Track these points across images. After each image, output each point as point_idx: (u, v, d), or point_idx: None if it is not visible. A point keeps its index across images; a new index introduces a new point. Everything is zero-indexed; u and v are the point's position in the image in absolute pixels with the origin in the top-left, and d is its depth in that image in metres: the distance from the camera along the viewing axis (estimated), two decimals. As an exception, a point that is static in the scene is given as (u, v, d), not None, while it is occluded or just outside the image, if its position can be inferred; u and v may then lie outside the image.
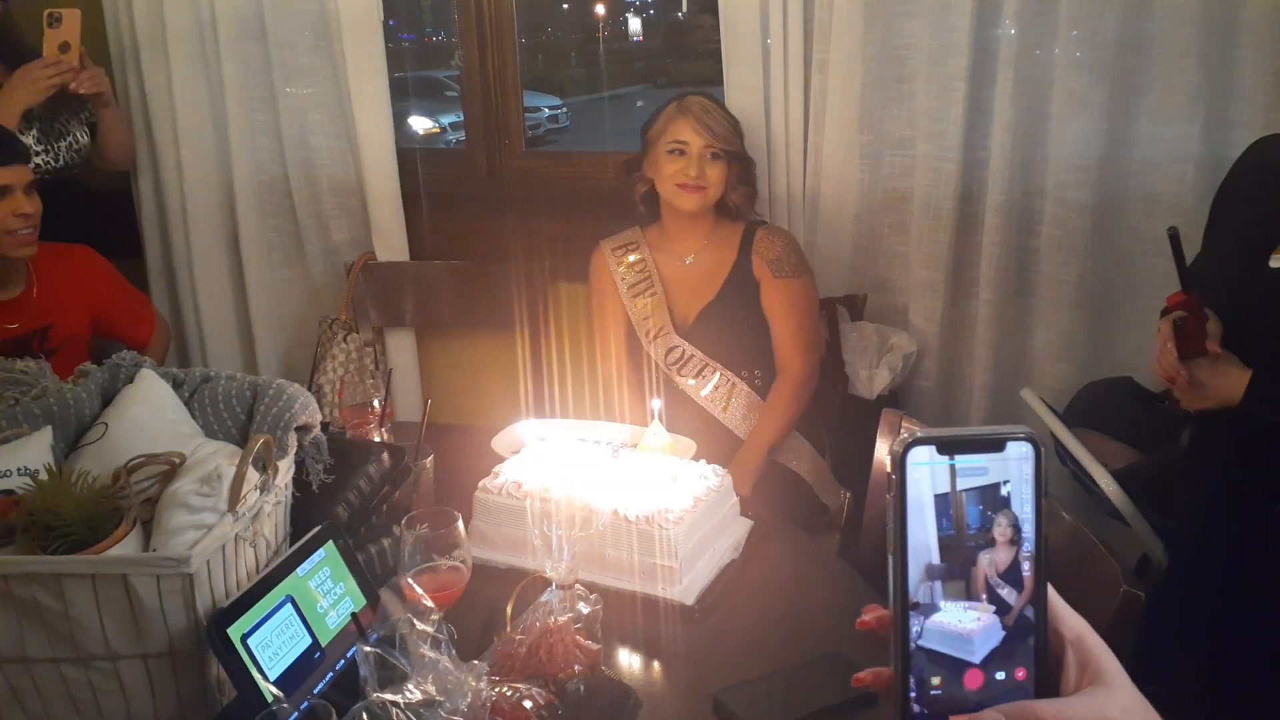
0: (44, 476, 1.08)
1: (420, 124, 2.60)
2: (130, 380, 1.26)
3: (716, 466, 1.50)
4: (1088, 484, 1.73)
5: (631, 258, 2.13)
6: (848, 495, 2.00)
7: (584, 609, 1.09)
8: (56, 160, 2.33)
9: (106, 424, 1.19)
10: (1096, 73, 1.97)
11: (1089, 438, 1.78)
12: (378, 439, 1.59)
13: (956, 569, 0.56)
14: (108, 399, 1.25)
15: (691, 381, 2.05)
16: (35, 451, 1.13)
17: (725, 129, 2.01)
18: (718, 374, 2.04)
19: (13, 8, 2.34)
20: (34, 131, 2.27)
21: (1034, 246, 2.13)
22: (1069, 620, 0.56)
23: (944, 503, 0.56)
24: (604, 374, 2.15)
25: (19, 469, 1.11)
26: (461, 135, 2.58)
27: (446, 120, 4.91)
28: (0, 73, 2.31)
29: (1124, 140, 2.02)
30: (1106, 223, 2.04)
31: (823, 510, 2.02)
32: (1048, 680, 0.56)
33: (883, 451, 1.55)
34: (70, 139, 2.37)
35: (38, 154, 2.27)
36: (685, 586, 1.33)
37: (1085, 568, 1.19)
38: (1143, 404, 1.89)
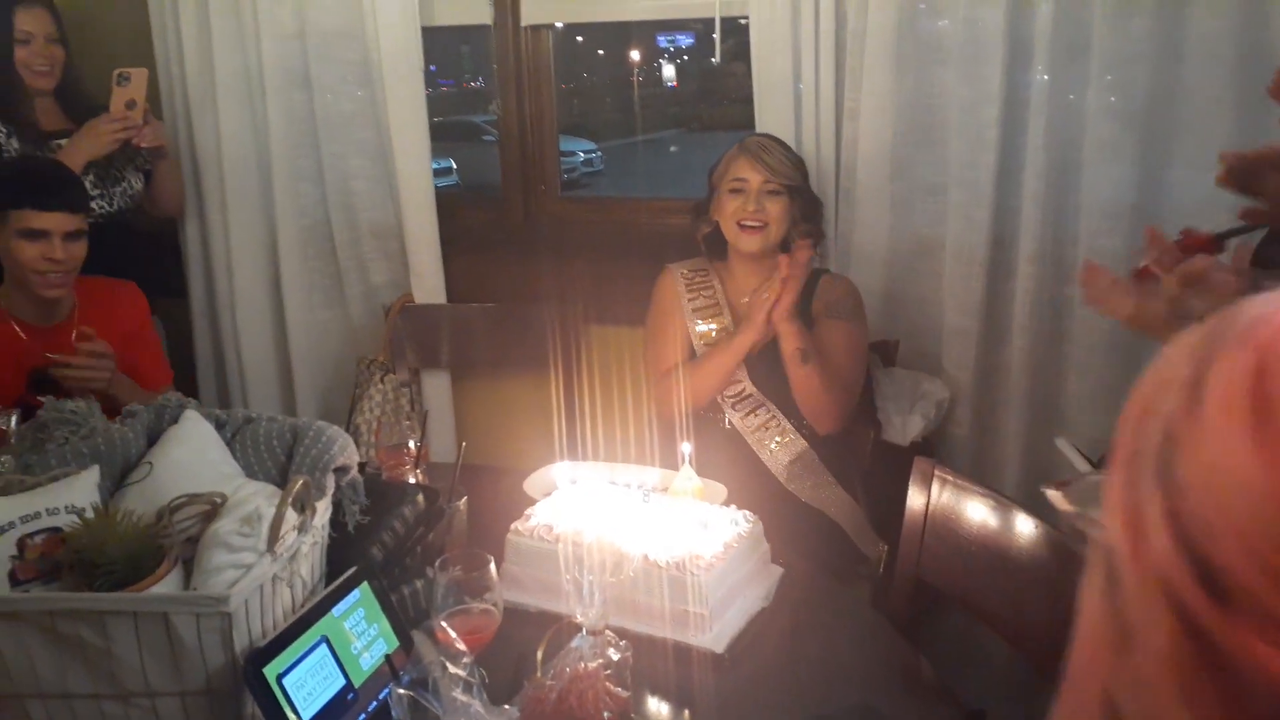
0: (90, 515, 1.11)
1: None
2: (175, 421, 1.29)
3: (747, 512, 1.50)
4: (1124, 534, 1.71)
5: (700, 282, 2.13)
6: (885, 548, 1.97)
7: (614, 655, 1.09)
8: (111, 205, 2.41)
9: (151, 463, 1.22)
10: (1129, 120, 1.98)
11: (1125, 487, 1.75)
12: (412, 480, 1.61)
13: None
14: (153, 438, 1.29)
15: (743, 419, 2.05)
16: (83, 490, 1.16)
17: (783, 165, 2.02)
18: (769, 414, 2.03)
19: (76, 61, 2.45)
20: (90, 176, 2.35)
21: (1068, 294, 2.12)
22: None
23: None
24: (636, 414, 2.15)
25: (66, 507, 1.14)
26: (445, 181, 2.62)
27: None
28: (61, 119, 2.41)
29: (1157, 188, 2.01)
30: (1141, 270, 2.03)
31: (861, 560, 2.01)
32: None
33: (916, 500, 1.54)
34: (125, 184, 2.45)
35: (93, 198, 2.34)
36: (715, 634, 1.32)
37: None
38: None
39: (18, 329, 2.03)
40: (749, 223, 2.02)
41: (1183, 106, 1.96)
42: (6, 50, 2.31)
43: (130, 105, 2.34)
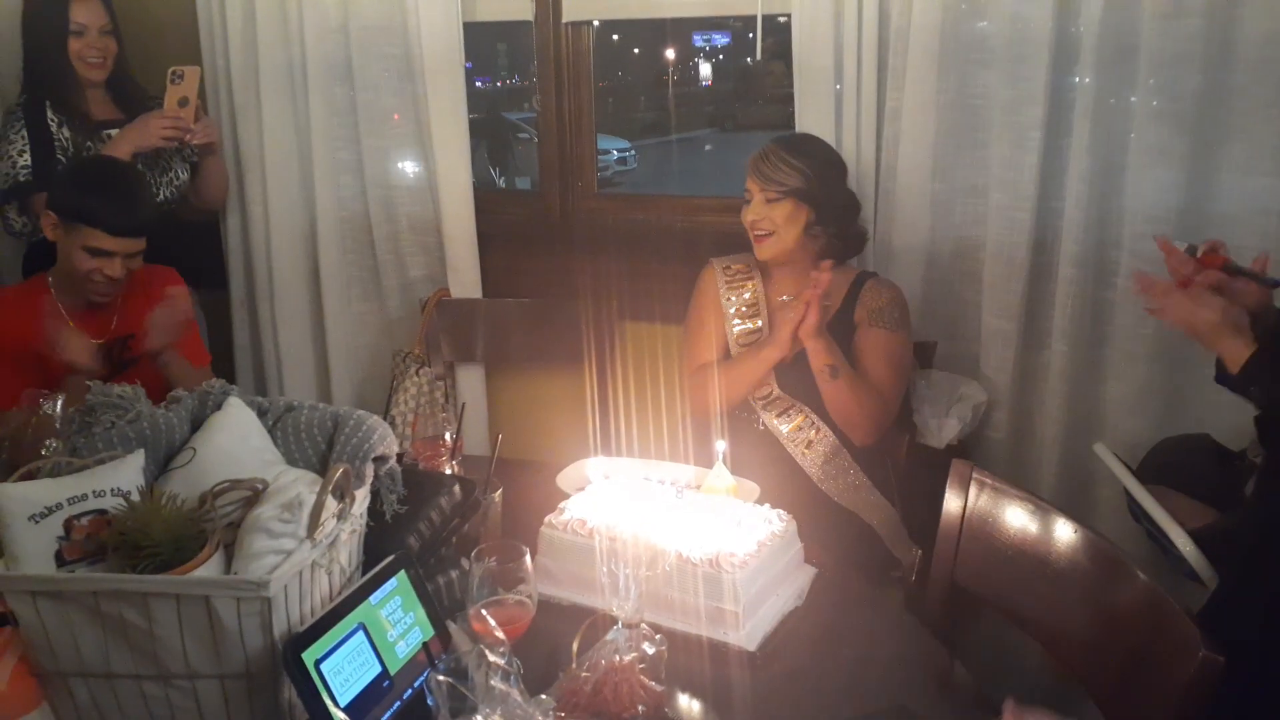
0: (136, 498, 1.13)
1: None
2: (218, 407, 1.31)
3: (781, 511, 1.50)
4: (1163, 543, 1.68)
5: (742, 280, 2.13)
6: (919, 552, 1.96)
7: (649, 649, 1.09)
8: (157, 194, 2.45)
9: (195, 449, 1.24)
10: (1175, 123, 1.94)
11: (1164, 495, 1.73)
12: (448, 471, 1.62)
13: None
14: (196, 424, 1.31)
15: (776, 420, 2.04)
16: (128, 474, 1.18)
17: (781, 172, 1.99)
18: (803, 416, 2.02)
19: (128, 53, 2.49)
20: (139, 165, 2.39)
21: (1109, 298, 2.09)
22: None
23: None
24: (670, 411, 2.15)
25: (112, 489, 1.16)
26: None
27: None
28: (112, 109, 2.46)
29: (1204, 192, 1.98)
30: (1185, 276, 2.00)
31: (894, 564, 1.99)
32: None
33: (953, 503, 1.53)
34: (172, 174, 2.50)
35: None
36: (748, 632, 1.32)
37: (1161, 631, 1.16)
38: (1220, 462, 1.83)
39: (62, 310, 2.09)
40: (756, 231, 2.04)
41: (1232, 110, 1.93)
42: (61, 41, 2.36)
43: (183, 103, 2.39)
